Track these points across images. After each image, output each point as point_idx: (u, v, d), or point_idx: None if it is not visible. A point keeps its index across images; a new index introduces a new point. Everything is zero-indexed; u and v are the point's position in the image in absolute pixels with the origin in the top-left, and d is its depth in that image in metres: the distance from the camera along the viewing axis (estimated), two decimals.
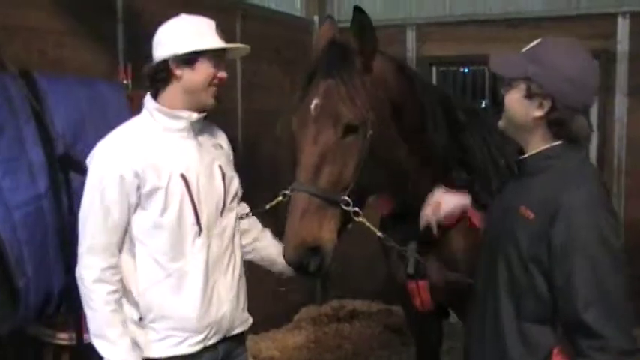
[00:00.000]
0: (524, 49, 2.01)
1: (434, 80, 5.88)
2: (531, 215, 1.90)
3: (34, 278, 2.50)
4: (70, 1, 3.59)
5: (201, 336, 2.25)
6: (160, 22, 2.29)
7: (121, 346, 2.16)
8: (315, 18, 5.91)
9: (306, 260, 2.17)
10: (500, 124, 2.06)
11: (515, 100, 1.97)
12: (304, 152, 2.25)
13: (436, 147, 2.60)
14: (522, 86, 1.94)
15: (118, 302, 2.19)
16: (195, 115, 2.26)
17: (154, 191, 2.17)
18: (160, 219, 2.18)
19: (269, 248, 2.62)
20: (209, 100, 2.27)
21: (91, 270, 2.16)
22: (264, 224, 2.68)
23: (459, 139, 2.72)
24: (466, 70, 6.50)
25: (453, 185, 2.57)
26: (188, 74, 2.22)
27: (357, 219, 2.28)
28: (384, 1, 5.95)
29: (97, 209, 2.16)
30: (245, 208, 2.58)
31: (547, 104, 1.91)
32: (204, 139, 2.34)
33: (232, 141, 2.54)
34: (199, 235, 2.23)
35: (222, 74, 2.27)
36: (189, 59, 2.20)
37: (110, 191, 2.15)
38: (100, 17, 3.81)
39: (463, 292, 2.33)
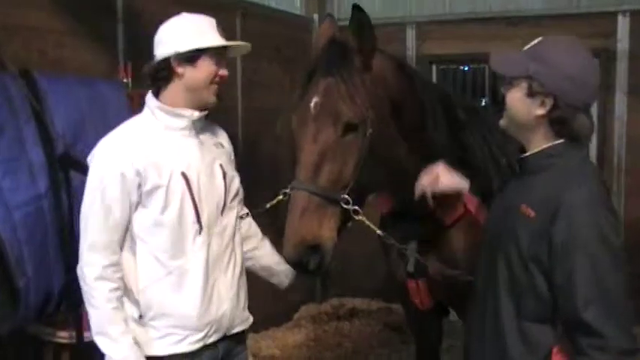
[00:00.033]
0: (525, 48, 2.01)
1: (434, 79, 5.87)
2: (532, 213, 1.90)
3: (34, 278, 2.51)
4: (70, 1, 3.59)
5: (202, 334, 2.25)
6: (160, 22, 2.29)
7: (123, 343, 2.16)
8: (315, 16, 5.90)
9: (305, 258, 2.17)
10: (502, 122, 2.06)
11: (516, 99, 1.97)
12: (304, 150, 2.24)
13: (436, 145, 2.60)
14: (524, 85, 1.94)
15: (120, 300, 2.19)
16: (196, 114, 2.26)
17: (154, 189, 2.17)
18: (161, 217, 2.18)
19: (268, 257, 2.62)
20: (211, 98, 2.27)
21: (92, 268, 2.16)
22: (265, 222, 2.68)
23: (459, 137, 2.72)
24: (466, 69, 6.50)
25: None
26: (190, 72, 2.22)
27: (356, 217, 2.27)
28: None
29: (98, 207, 2.16)
30: (245, 210, 2.57)
31: (549, 102, 1.91)
32: (205, 137, 2.34)
33: (232, 139, 2.54)
34: (200, 233, 2.23)
35: (224, 72, 2.27)
36: (191, 57, 2.21)
37: (111, 189, 2.15)
38: (100, 17, 3.81)
39: (463, 291, 2.32)
